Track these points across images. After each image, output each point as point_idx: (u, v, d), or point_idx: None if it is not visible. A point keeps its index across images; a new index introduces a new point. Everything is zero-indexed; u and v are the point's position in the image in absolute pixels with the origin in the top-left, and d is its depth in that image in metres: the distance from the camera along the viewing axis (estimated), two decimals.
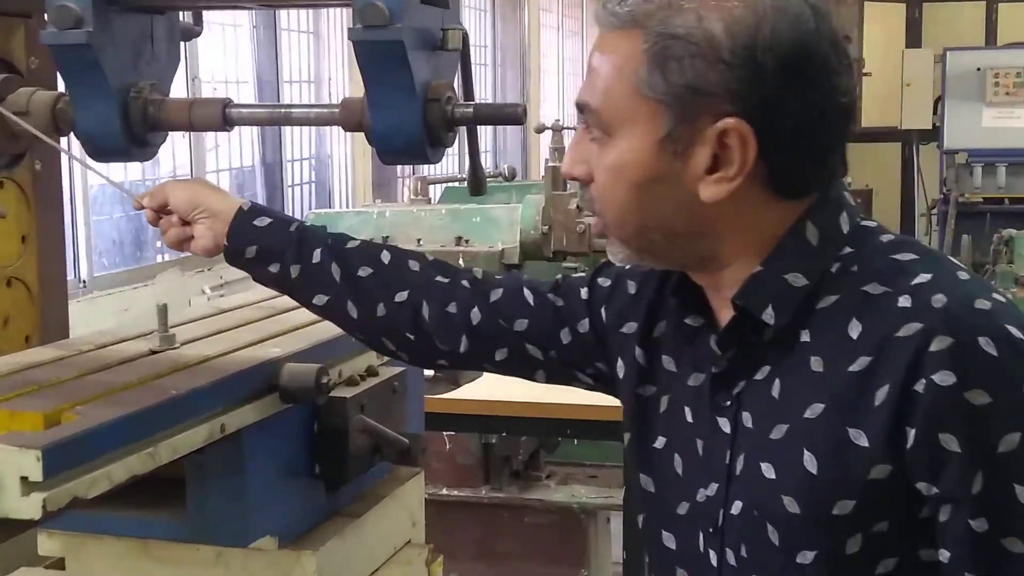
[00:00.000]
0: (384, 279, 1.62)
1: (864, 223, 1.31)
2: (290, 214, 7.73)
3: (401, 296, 1.61)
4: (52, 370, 1.66)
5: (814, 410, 1.23)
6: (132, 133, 1.91)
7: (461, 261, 4.33)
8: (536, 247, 4.38)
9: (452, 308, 1.60)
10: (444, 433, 4.03)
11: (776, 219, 1.28)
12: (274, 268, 1.63)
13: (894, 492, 1.20)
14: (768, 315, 1.27)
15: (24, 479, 1.28)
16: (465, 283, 1.61)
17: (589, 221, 4.55)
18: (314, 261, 1.62)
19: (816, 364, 1.24)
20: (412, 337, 1.62)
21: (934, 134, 10.54)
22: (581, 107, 1.31)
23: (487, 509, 4.09)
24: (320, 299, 1.63)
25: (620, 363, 1.49)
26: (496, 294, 1.60)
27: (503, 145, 11.61)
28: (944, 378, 1.16)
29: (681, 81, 1.23)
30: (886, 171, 12.05)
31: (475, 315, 1.59)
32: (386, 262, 1.64)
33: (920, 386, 1.16)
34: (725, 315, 1.33)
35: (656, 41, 1.23)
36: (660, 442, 1.41)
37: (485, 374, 2.00)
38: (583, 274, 1.60)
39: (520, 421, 3.61)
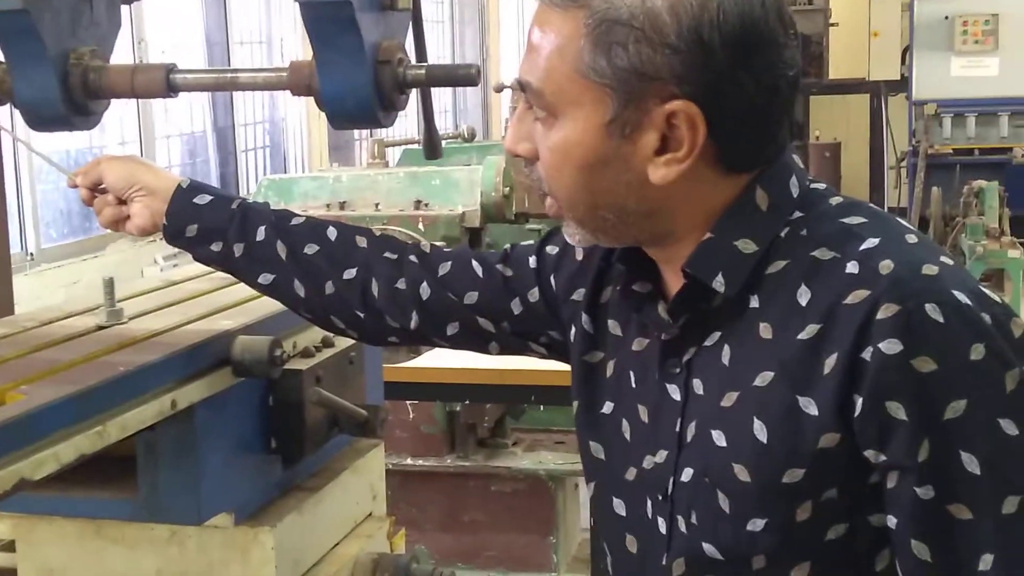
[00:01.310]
0: (331, 256, 1.59)
1: (813, 185, 1.30)
2: (245, 179, 7.65)
3: (349, 273, 1.58)
4: None
5: (764, 378, 1.22)
6: (73, 101, 1.84)
7: (421, 225, 4.30)
8: (498, 209, 4.35)
9: (401, 284, 1.57)
10: (407, 402, 4.00)
11: (725, 191, 1.27)
12: (216, 247, 1.60)
13: (843, 460, 1.19)
14: (719, 283, 1.25)
15: None
16: (413, 258, 1.59)
17: None
18: (258, 239, 1.59)
19: (765, 331, 1.23)
20: (361, 315, 1.59)
21: (903, 85, 10.53)
22: (523, 85, 1.27)
23: (453, 478, 4.07)
24: (265, 278, 1.60)
25: (572, 331, 1.47)
26: (444, 268, 1.57)
27: (463, 104, 11.53)
28: (890, 346, 1.14)
29: (626, 65, 1.19)
30: (854, 123, 12.06)
31: (424, 290, 1.57)
32: (332, 239, 1.61)
33: (867, 354, 1.15)
34: (674, 282, 1.31)
35: (598, 24, 1.20)
36: (608, 407, 1.40)
37: None
38: (531, 243, 1.57)
39: (484, 388, 3.59)
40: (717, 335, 1.27)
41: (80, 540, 1.75)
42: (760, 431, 1.21)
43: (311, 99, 1.85)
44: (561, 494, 4.10)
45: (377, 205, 4.55)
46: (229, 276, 2.05)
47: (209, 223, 1.60)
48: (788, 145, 1.30)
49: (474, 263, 1.57)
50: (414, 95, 1.90)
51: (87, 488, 1.70)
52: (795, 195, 1.27)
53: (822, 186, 1.31)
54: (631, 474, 1.35)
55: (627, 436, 1.36)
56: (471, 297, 1.55)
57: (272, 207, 1.65)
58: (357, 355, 1.98)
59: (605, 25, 1.19)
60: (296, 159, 8.60)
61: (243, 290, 1.97)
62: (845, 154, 11.64)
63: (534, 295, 1.52)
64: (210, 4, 7.55)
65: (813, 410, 1.18)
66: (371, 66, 1.76)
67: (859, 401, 1.16)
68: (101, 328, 1.72)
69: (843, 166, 11.52)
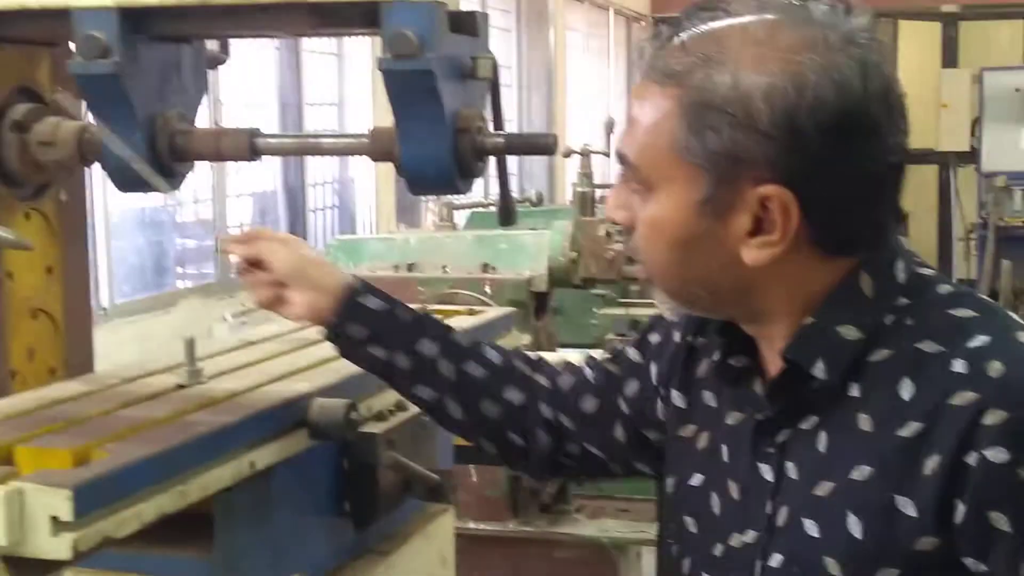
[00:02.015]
0: (492, 378, 1.59)
1: (921, 271, 1.27)
2: (313, 239, 7.74)
3: (509, 394, 1.58)
4: (79, 405, 1.63)
5: (861, 472, 1.19)
6: (159, 163, 1.89)
7: (488, 288, 4.31)
8: (564, 274, 4.35)
9: (545, 411, 1.57)
10: (471, 465, 3.99)
11: (825, 274, 1.24)
12: (379, 352, 1.59)
13: (940, 564, 1.16)
14: (819, 369, 1.22)
15: (54, 519, 1.25)
16: (541, 378, 1.60)
17: (618, 247, 4.53)
18: (424, 353, 1.58)
19: (865, 423, 1.20)
20: (516, 439, 1.59)
21: (972, 156, 10.45)
22: (621, 158, 1.27)
23: (515, 543, 4.04)
24: (424, 391, 1.60)
25: (667, 412, 1.46)
26: (567, 380, 1.59)
27: (529, 168, 11.61)
28: (997, 454, 1.11)
29: (718, 148, 1.18)
30: (923, 194, 11.93)
31: (544, 409, 1.58)
32: (494, 360, 1.60)
33: (972, 459, 1.13)
34: (771, 358, 1.29)
35: (692, 106, 1.19)
36: (697, 480, 1.38)
37: None
38: (634, 336, 1.58)
39: None
40: (814, 419, 1.24)
41: None
42: (855, 527, 1.18)
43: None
44: (624, 563, 4.05)
45: (445, 268, 4.58)
46: (305, 337, 2.09)
47: (378, 329, 1.58)
48: (895, 229, 1.27)
49: (587, 368, 1.58)
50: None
51: (164, 546, 1.71)
52: (902, 281, 1.24)
53: (931, 272, 1.28)
54: (718, 550, 1.33)
55: (715, 511, 1.34)
56: (587, 403, 1.55)
57: (441, 322, 1.65)
58: (430, 420, 1.98)
59: (699, 107, 1.19)
60: (364, 219, 8.69)
61: (318, 351, 1.99)
62: (913, 225, 11.52)
63: (633, 388, 1.52)
64: (285, 66, 7.69)
65: (911, 511, 1.15)
66: (451, 134, 1.79)
67: (961, 507, 1.13)
68: (181, 387, 1.73)
69: (911, 237, 11.41)
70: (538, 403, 1.58)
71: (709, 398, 1.39)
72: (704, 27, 1.21)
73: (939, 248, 11.96)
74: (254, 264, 1.60)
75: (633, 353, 1.53)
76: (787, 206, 1.18)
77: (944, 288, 1.25)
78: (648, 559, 4.05)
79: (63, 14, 1.80)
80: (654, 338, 1.52)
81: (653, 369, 1.49)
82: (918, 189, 11.91)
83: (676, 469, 1.42)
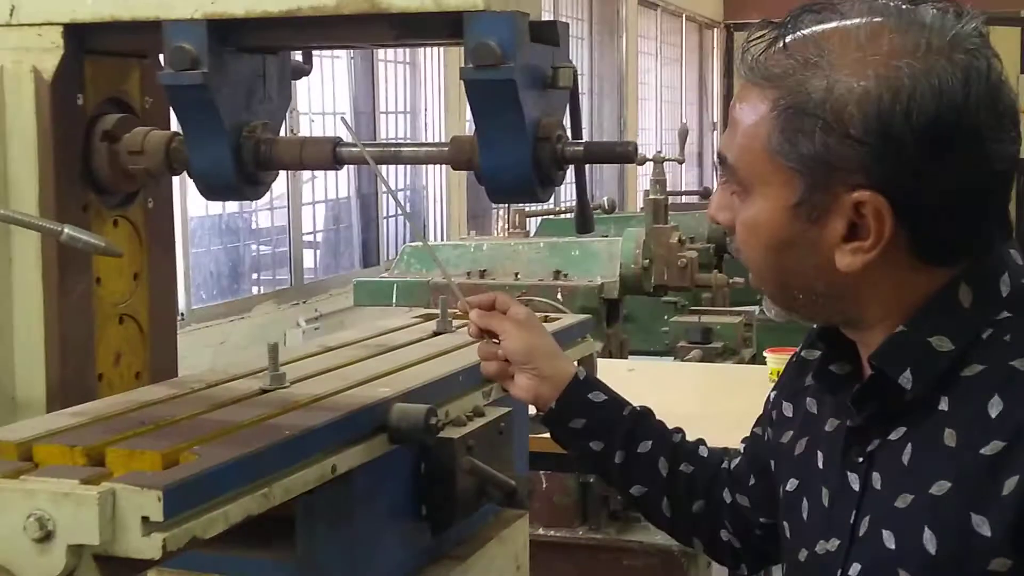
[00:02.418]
0: (703, 476, 1.61)
1: None
2: (385, 246, 7.78)
3: (716, 494, 1.60)
4: (166, 409, 1.67)
5: (941, 487, 1.18)
6: (244, 172, 1.93)
7: (560, 295, 4.32)
8: (636, 281, 4.36)
9: (744, 500, 1.58)
10: (541, 472, 4.00)
11: (923, 283, 1.22)
12: (596, 446, 1.63)
13: None
14: (905, 379, 1.21)
15: (145, 519, 1.29)
16: (724, 465, 1.62)
17: (691, 255, 4.53)
18: (640, 451, 1.61)
19: (949, 438, 1.18)
20: (723, 536, 1.60)
21: None
22: (722, 159, 1.28)
23: (584, 550, 4.04)
24: (638, 489, 1.63)
25: (774, 428, 1.47)
26: (738, 462, 1.61)
27: (599, 176, 11.60)
28: None
29: (811, 153, 1.18)
30: None
31: (727, 495, 1.59)
32: (705, 456, 1.63)
33: None
34: (870, 368, 1.28)
35: (786, 109, 1.19)
36: (791, 484, 1.39)
37: None
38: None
39: None
40: (902, 430, 1.24)
41: None
42: (929, 542, 1.17)
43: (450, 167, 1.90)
44: (694, 570, 4.03)
45: (517, 275, 4.60)
46: (384, 343, 2.12)
47: (599, 423, 1.62)
48: (1004, 238, 1.24)
49: (743, 444, 1.61)
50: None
51: (245, 548, 1.74)
52: (1005, 294, 1.21)
53: None
54: (803, 555, 1.33)
55: (804, 516, 1.35)
56: (752, 479, 1.57)
57: (652, 415, 1.68)
58: (507, 425, 2.00)
59: (792, 112, 1.19)
60: (435, 226, 8.74)
61: (397, 357, 2.02)
62: None
63: (768, 434, 1.52)
64: (359, 75, 7.76)
65: (986, 531, 1.14)
66: (531, 143, 1.81)
67: None
68: (265, 391, 1.77)
69: None
70: (722, 490, 1.60)
71: (811, 404, 1.40)
72: (808, 30, 1.21)
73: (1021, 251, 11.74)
74: (488, 334, 1.67)
75: (772, 397, 1.53)
76: (880, 212, 1.17)
77: None
78: (717, 567, 4.03)
79: (153, 26, 1.84)
80: (785, 377, 1.53)
81: (783, 403, 1.49)
82: None
83: (778, 476, 1.43)
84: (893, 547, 1.21)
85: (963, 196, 1.19)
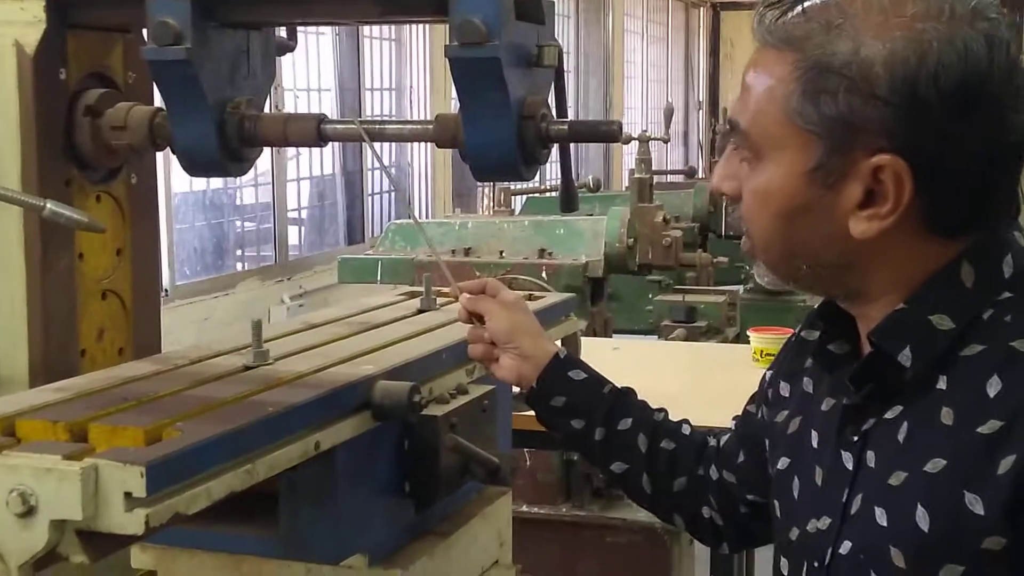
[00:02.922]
0: (686, 453, 1.62)
1: None
2: (370, 223, 7.76)
3: (700, 470, 1.61)
4: (149, 385, 1.66)
5: (935, 464, 1.18)
6: (228, 148, 1.92)
7: (544, 274, 4.33)
8: (621, 260, 4.37)
9: (731, 478, 1.59)
10: (524, 449, 4.01)
11: (930, 257, 1.22)
12: (577, 424, 1.65)
13: (1006, 565, 1.14)
14: (905, 356, 1.21)
15: (128, 495, 1.29)
16: (712, 442, 1.63)
17: (676, 234, 4.53)
18: (620, 428, 1.63)
19: (947, 416, 1.18)
20: (705, 514, 1.61)
21: None
22: (732, 125, 1.26)
23: (568, 527, 4.06)
24: (619, 467, 1.64)
25: (769, 398, 1.48)
26: (726, 440, 1.61)
27: (584, 154, 11.60)
28: None
29: (834, 114, 1.17)
30: None
31: (713, 472, 1.60)
32: (687, 433, 1.64)
33: None
34: (869, 347, 1.28)
35: (810, 69, 1.17)
36: (783, 463, 1.39)
37: None
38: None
39: None
40: (899, 409, 1.23)
41: (219, 574, 1.80)
42: (922, 519, 1.17)
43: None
44: (677, 548, 4.06)
45: (501, 253, 4.61)
46: (368, 320, 2.12)
47: (579, 400, 1.64)
48: (1010, 219, 1.23)
49: (733, 422, 1.62)
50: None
51: (229, 523, 1.75)
52: (1007, 275, 1.21)
53: None
54: (794, 534, 1.34)
55: (795, 494, 1.35)
56: (740, 456, 1.58)
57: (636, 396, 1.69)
58: (490, 403, 2.01)
59: (816, 71, 1.17)
60: (421, 203, 8.73)
61: (381, 334, 2.02)
62: None
63: (762, 412, 1.53)
64: (344, 52, 7.73)
65: (979, 509, 1.14)
66: (516, 121, 1.80)
67: None
68: (248, 368, 1.77)
69: None
70: (708, 467, 1.61)
71: (807, 384, 1.40)
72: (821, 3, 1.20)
73: None
74: (476, 317, 1.70)
75: (768, 375, 1.54)
76: (901, 176, 1.16)
77: None
78: (700, 545, 4.06)
79: (137, 0, 1.83)
80: (781, 355, 1.53)
81: (779, 382, 1.50)
82: None
83: (771, 455, 1.43)
84: (885, 524, 1.21)
85: (981, 163, 1.17)
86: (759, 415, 1.53)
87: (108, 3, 1.89)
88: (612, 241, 4.41)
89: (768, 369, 1.54)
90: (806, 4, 1.21)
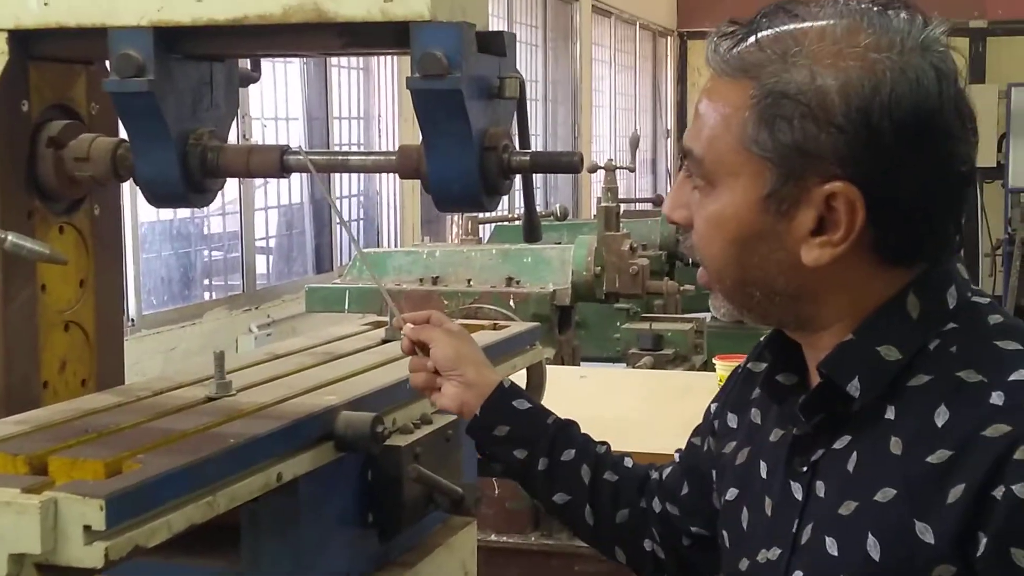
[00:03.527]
0: (627, 485, 1.63)
1: (975, 299, 1.26)
2: (339, 252, 7.74)
3: (644, 503, 1.61)
4: (111, 416, 1.66)
5: (885, 494, 1.19)
6: (191, 179, 1.92)
7: (512, 302, 4.34)
8: (588, 288, 4.39)
9: (674, 510, 1.59)
10: (492, 478, 4.01)
11: (881, 285, 1.23)
12: (520, 454, 1.65)
13: None
14: (854, 387, 1.22)
15: (87, 528, 1.28)
16: (654, 475, 1.63)
17: (643, 262, 4.55)
18: (563, 459, 1.63)
19: (895, 446, 1.19)
20: (648, 548, 1.61)
21: (999, 172, 10.45)
22: (686, 152, 1.27)
23: (537, 556, 4.05)
24: (561, 497, 1.64)
25: (716, 429, 1.49)
26: (668, 472, 1.62)
27: (554, 182, 11.63)
28: None
29: (789, 141, 1.18)
30: None
31: (656, 504, 1.60)
32: (629, 466, 1.65)
33: (999, 493, 1.11)
34: (816, 377, 1.29)
35: (765, 97, 1.19)
36: (731, 494, 1.40)
37: None
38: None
39: None
40: (847, 439, 1.24)
41: None
42: (873, 548, 1.18)
43: None
44: None
45: (469, 281, 4.62)
46: (331, 351, 2.12)
47: (522, 430, 1.64)
48: (954, 249, 1.26)
49: (677, 455, 1.62)
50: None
51: (190, 556, 1.74)
52: (951, 306, 1.23)
53: (985, 300, 1.27)
54: (744, 564, 1.34)
55: (744, 526, 1.36)
56: (683, 488, 1.57)
57: (576, 426, 1.69)
58: (454, 433, 2.01)
59: (772, 98, 1.18)
60: (389, 232, 8.73)
61: (345, 364, 2.03)
62: None
63: (708, 443, 1.53)
64: (312, 80, 7.74)
65: (929, 538, 1.14)
66: (478, 152, 1.82)
67: (983, 540, 1.12)
68: (211, 400, 1.77)
69: None
70: (652, 499, 1.61)
71: (755, 415, 1.41)
72: (781, 27, 1.22)
73: (966, 263, 11.90)
74: (420, 346, 1.70)
75: (714, 408, 1.55)
76: (854, 203, 1.18)
77: (995, 318, 1.24)
78: None
79: (99, 33, 1.83)
80: (728, 385, 1.54)
81: (726, 412, 1.50)
82: None
83: (719, 487, 1.44)
84: (836, 554, 1.22)
85: (930, 192, 1.20)
86: (704, 447, 1.54)
87: (71, 35, 1.89)
88: (579, 269, 4.44)
89: (713, 401, 1.55)
90: (760, 34, 1.23)
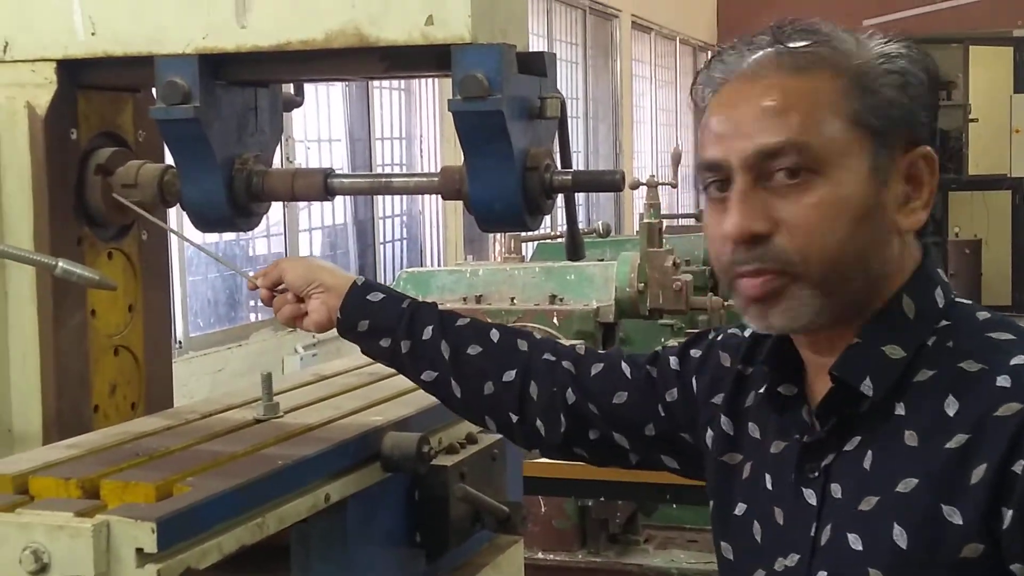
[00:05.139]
0: (492, 358, 1.64)
1: (958, 300, 1.32)
2: (383, 271, 7.78)
3: (508, 376, 1.63)
4: (161, 440, 1.68)
5: (907, 484, 1.22)
6: (237, 204, 1.95)
7: (555, 320, 4.34)
8: (632, 305, 4.37)
9: (555, 388, 1.61)
10: (539, 496, 4.01)
11: (909, 263, 1.30)
12: (384, 343, 1.67)
13: (984, 571, 1.18)
14: (866, 387, 1.26)
15: (139, 551, 1.31)
16: (567, 363, 1.62)
17: (686, 278, 4.54)
18: (423, 338, 1.65)
19: (911, 439, 1.23)
20: (515, 418, 1.63)
21: None
22: (773, 152, 1.25)
23: (584, 574, 4.06)
24: (428, 375, 1.66)
25: (709, 432, 1.48)
26: (596, 368, 1.61)
27: (595, 199, 11.63)
28: None
29: (887, 111, 1.26)
30: (995, 220, 11.80)
31: (570, 395, 1.60)
32: (495, 340, 1.66)
33: (1019, 467, 1.16)
34: (819, 386, 1.32)
35: (856, 70, 1.26)
36: (740, 509, 1.41)
37: None
38: (675, 345, 1.60)
39: (620, 485, 3.59)
40: (857, 440, 1.28)
41: None
42: (900, 537, 1.21)
43: None
44: None
45: (512, 299, 4.61)
46: (377, 371, 2.13)
47: (380, 320, 1.67)
48: (930, 248, 1.33)
49: (623, 364, 1.60)
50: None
51: None
52: (941, 305, 1.29)
53: (967, 301, 1.33)
54: (759, 575, 1.35)
55: (757, 538, 1.37)
56: (620, 397, 1.57)
57: (440, 307, 1.71)
58: (500, 451, 2.02)
59: (866, 75, 1.26)
60: (432, 251, 8.76)
61: (391, 384, 2.04)
62: (986, 251, 11.41)
63: (672, 395, 1.55)
64: (354, 102, 7.80)
65: (957, 519, 1.18)
66: (520, 172, 1.83)
67: (1008, 514, 1.16)
68: (259, 421, 1.78)
69: (984, 263, 11.29)
70: (564, 389, 1.60)
71: (753, 429, 1.42)
72: (810, 35, 1.30)
73: (1013, 273, 11.79)
74: (276, 290, 1.73)
75: (674, 362, 1.56)
76: (933, 162, 1.27)
77: (982, 315, 1.30)
78: None
79: (146, 61, 1.87)
80: (695, 352, 1.55)
81: (694, 382, 1.52)
82: (991, 215, 11.77)
83: (718, 494, 1.45)
84: (860, 548, 1.24)
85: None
86: (664, 393, 1.54)
87: (118, 64, 1.92)
88: (623, 286, 4.42)
89: (671, 353, 1.57)
90: (802, 41, 1.29)
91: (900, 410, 1.25)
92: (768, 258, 1.26)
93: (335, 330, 1.71)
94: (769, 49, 1.29)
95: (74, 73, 1.96)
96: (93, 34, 1.91)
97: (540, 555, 4.06)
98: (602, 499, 3.92)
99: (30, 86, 1.94)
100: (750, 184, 1.26)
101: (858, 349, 1.27)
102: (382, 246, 8.21)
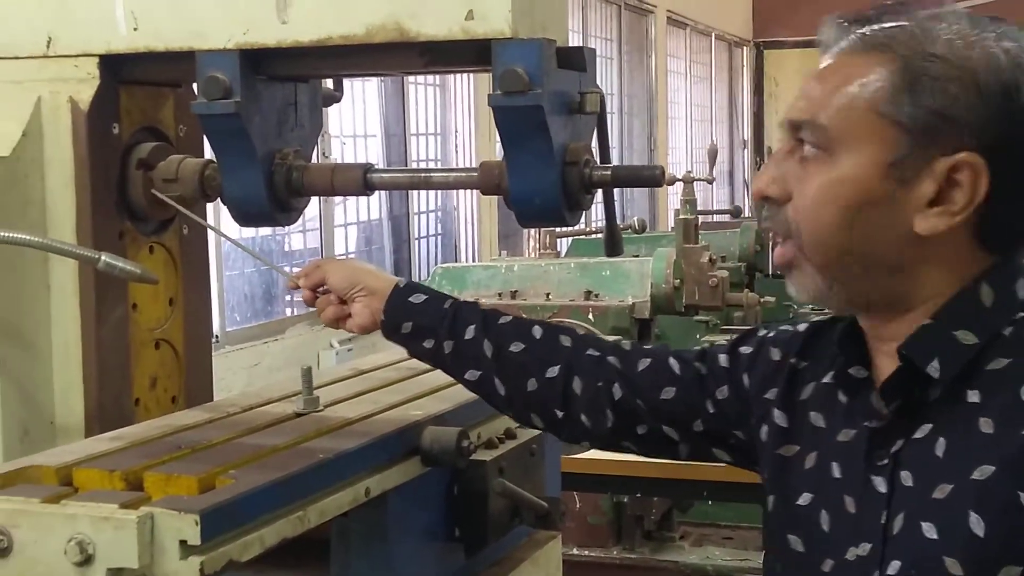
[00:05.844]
0: (535, 354, 1.64)
1: None
2: (417, 266, 7.82)
3: (551, 372, 1.62)
4: (202, 433, 1.69)
5: (983, 471, 1.21)
6: (277, 198, 1.96)
7: (591, 315, 4.33)
8: (667, 301, 4.35)
9: (600, 383, 1.60)
10: (574, 492, 4.01)
11: (969, 267, 1.27)
12: (428, 344, 1.67)
13: None
14: (933, 368, 1.25)
15: (183, 543, 1.31)
16: (612, 359, 1.62)
17: (722, 274, 4.52)
18: (466, 337, 1.65)
19: (986, 426, 1.22)
20: (560, 414, 1.63)
21: None
22: (799, 124, 1.29)
23: (619, 570, 4.05)
24: (472, 374, 1.66)
25: (764, 428, 1.48)
26: (643, 364, 1.60)
27: (630, 195, 11.61)
28: None
29: (930, 105, 1.23)
30: None
31: (617, 390, 1.59)
32: (537, 337, 1.65)
33: None
34: (887, 370, 1.31)
35: (912, 65, 1.24)
36: (805, 499, 1.39)
37: None
38: (724, 343, 1.60)
39: (656, 482, 3.58)
40: (928, 427, 1.27)
41: None
42: (977, 525, 1.20)
43: None
44: None
45: (548, 295, 4.61)
46: (415, 366, 2.14)
47: (423, 321, 1.67)
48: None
49: (671, 360, 1.59)
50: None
51: (281, 569, 1.76)
52: (1022, 297, 1.27)
53: None
54: (827, 566, 1.34)
55: (825, 528, 1.35)
56: (667, 392, 1.57)
57: (481, 306, 1.71)
58: (538, 447, 2.02)
59: (918, 66, 1.23)
60: (466, 246, 8.77)
61: (430, 379, 2.04)
62: None
63: (723, 392, 1.54)
64: (390, 97, 7.82)
65: None
66: (559, 167, 1.82)
67: None
68: (299, 415, 1.79)
69: None
70: (610, 384, 1.60)
71: (816, 419, 1.41)
72: (906, 14, 1.28)
73: None
74: (318, 291, 1.74)
75: (724, 359, 1.55)
76: (979, 174, 1.22)
77: None
78: None
79: (187, 56, 1.88)
80: (745, 349, 1.54)
81: (746, 379, 1.52)
82: None
83: (778, 488, 1.43)
84: (936, 536, 1.23)
85: None
86: (715, 391, 1.54)
87: (159, 59, 1.93)
88: (658, 282, 4.41)
89: (721, 352, 1.55)
90: (890, 17, 1.29)
91: (974, 397, 1.24)
92: (778, 224, 1.31)
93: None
94: (861, 23, 1.30)
95: (116, 68, 1.97)
96: (135, 29, 1.92)
97: (575, 551, 4.06)
98: (638, 495, 3.91)
99: (73, 81, 1.96)
100: (787, 149, 1.31)
101: (928, 330, 1.27)
102: (417, 242, 8.23)
